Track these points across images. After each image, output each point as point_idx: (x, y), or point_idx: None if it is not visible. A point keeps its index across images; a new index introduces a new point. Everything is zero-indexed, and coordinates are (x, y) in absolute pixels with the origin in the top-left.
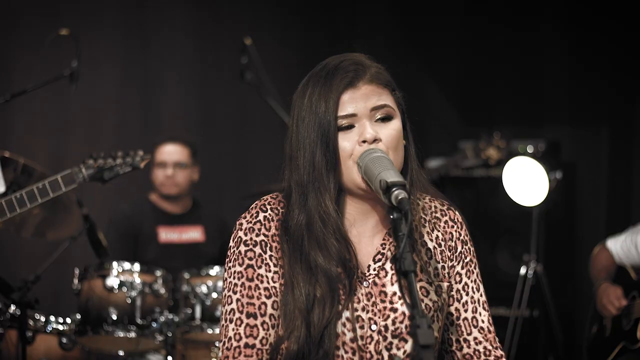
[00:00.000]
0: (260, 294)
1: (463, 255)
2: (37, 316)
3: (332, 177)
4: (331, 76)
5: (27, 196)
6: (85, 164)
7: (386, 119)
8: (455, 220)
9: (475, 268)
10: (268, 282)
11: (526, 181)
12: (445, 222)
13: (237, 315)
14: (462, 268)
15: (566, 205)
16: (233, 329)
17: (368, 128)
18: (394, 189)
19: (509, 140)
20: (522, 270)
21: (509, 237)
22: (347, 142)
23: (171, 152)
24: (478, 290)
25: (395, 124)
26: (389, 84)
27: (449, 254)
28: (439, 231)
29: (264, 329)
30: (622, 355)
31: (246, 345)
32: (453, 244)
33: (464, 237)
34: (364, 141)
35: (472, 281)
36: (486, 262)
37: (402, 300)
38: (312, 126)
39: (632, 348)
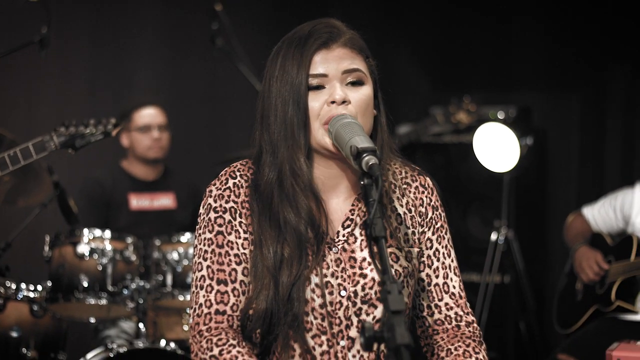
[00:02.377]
0: (230, 260)
1: (434, 221)
2: (7, 284)
3: (303, 135)
4: (306, 37)
5: None
6: (56, 132)
7: (357, 83)
8: (426, 185)
9: (446, 234)
10: (238, 249)
11: (497, 147)
12: (416, 187)
13: (208, 281)
14: (433, 234)
15: (537, 171)
16: (204, 296)
17: (338, 89)
18: (364, 154)
19: (479, 104)
20: (493, 236)
21: (480, 203)
22: (315, 102)
23: (153, 115)
24: (449, 256)
25: (366, 90)
26: (363, 50)
27: (419, 219)
28: (409, 197)
29: (234, 296)
30: (594, 319)
31: (217, 312)
32: (423, 209)
33: (434, 202)
34: (333, 102)
35: (443, 247)
36: (457, 228)
37: (371, 267)
38: (284, 85)
39: (605, 310)
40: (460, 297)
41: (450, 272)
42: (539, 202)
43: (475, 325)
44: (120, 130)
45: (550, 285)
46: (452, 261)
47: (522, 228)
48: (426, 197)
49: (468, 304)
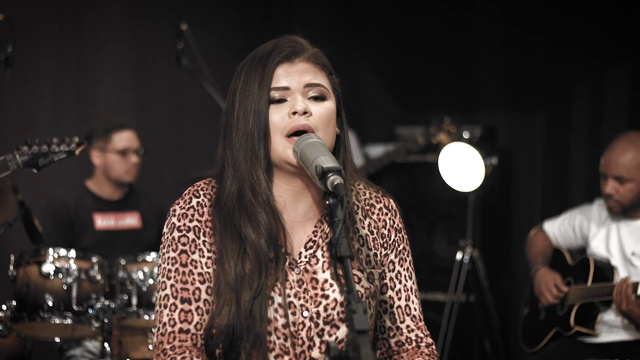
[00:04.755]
0: (194, 279)
1: (396, 244)
2: None
3: (263, 149)
4: (269, 52)
5: None
6: (19, 151)
7: (319, 98)
8: (390, 207)
9: (408, 256)
10: (202, 268)
11: (462, 167)
12: (380, 209)
13: (172, 300)
14: (396, 256)
15: (502, 190)
16: (167, 315)
17: (299, 100)
18: (329, 174)
19: (459, 126)
20: (459, 256)
21: (445, 223)
22: (277, 115)
23: (132, 139)
24: (410, 278)
25: (329, 105)
26: (326, 66)
27: (382, 241)
28: (372, 218)
29: (198, 314)
30: (555, 340)
31: (180, 331)
32: (386, 231)
33: (397, 225)
34: (294, 113)
35: (404, 269)
36: (423, 248)
37: (333, 287)
38: (246, 98)
39: (566, 335)
40: (420, 319)
41: (412, 294)
42: (503, 221)
43: (433, 347)
44: (91, 147)
45: (515, 304)
46: (413, 284)
47: (487, 247)
48: (389, 219)
49: (426, 327)
